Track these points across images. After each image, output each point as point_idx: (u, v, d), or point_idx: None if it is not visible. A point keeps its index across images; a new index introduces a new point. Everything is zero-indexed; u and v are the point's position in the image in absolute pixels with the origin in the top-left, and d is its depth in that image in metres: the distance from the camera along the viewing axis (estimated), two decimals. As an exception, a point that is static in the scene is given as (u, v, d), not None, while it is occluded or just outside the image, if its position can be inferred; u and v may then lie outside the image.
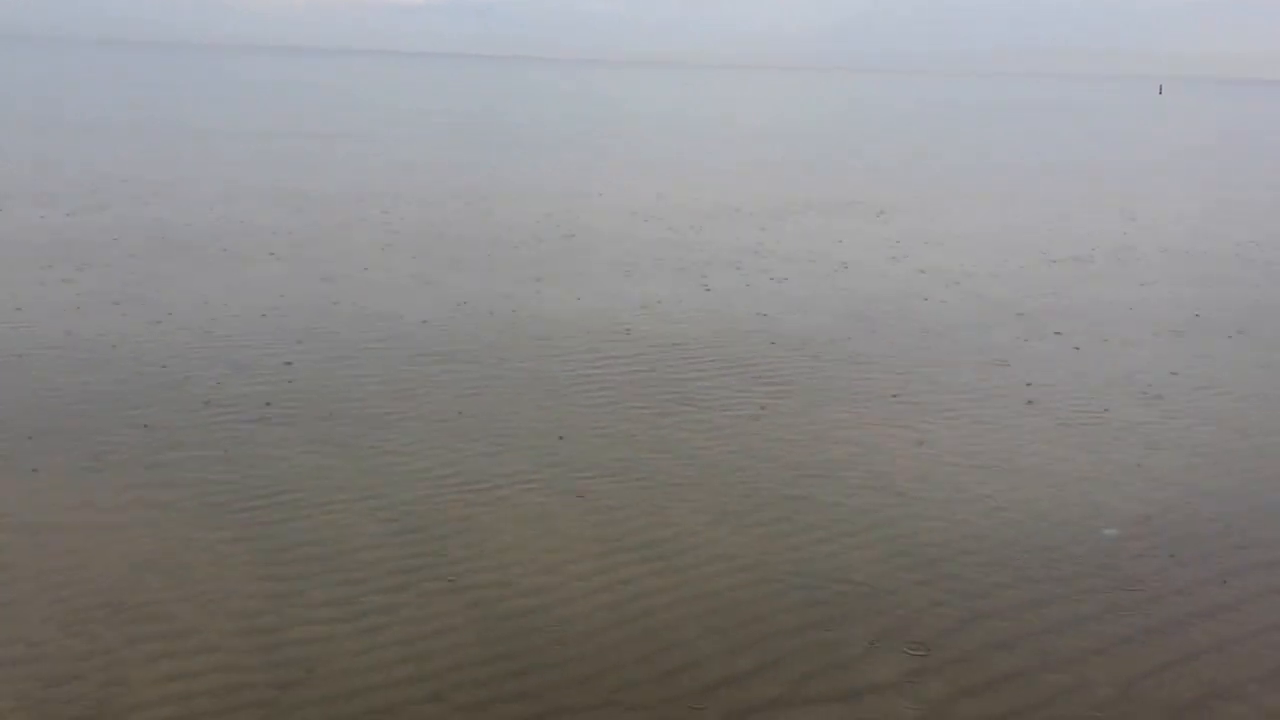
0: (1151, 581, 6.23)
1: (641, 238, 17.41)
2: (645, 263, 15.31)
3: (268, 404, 8.74)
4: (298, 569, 6.07)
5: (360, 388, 9.24)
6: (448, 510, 6.87)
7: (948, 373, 10.21)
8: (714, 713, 4.95)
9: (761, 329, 11.68)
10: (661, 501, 7.10)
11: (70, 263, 13.97)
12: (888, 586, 6.06)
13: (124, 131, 34.79)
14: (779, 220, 19.78)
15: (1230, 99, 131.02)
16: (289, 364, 9.83)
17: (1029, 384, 9.91)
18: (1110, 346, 11.40)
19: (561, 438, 8.18)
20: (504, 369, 9.90)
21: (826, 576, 6.16)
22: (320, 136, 35.06)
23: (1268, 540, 6.83)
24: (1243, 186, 28.84)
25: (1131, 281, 15.02)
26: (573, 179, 25.77)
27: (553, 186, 23.95)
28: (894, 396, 9.42)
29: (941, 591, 6.02)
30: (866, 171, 30.13)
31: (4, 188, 20.54)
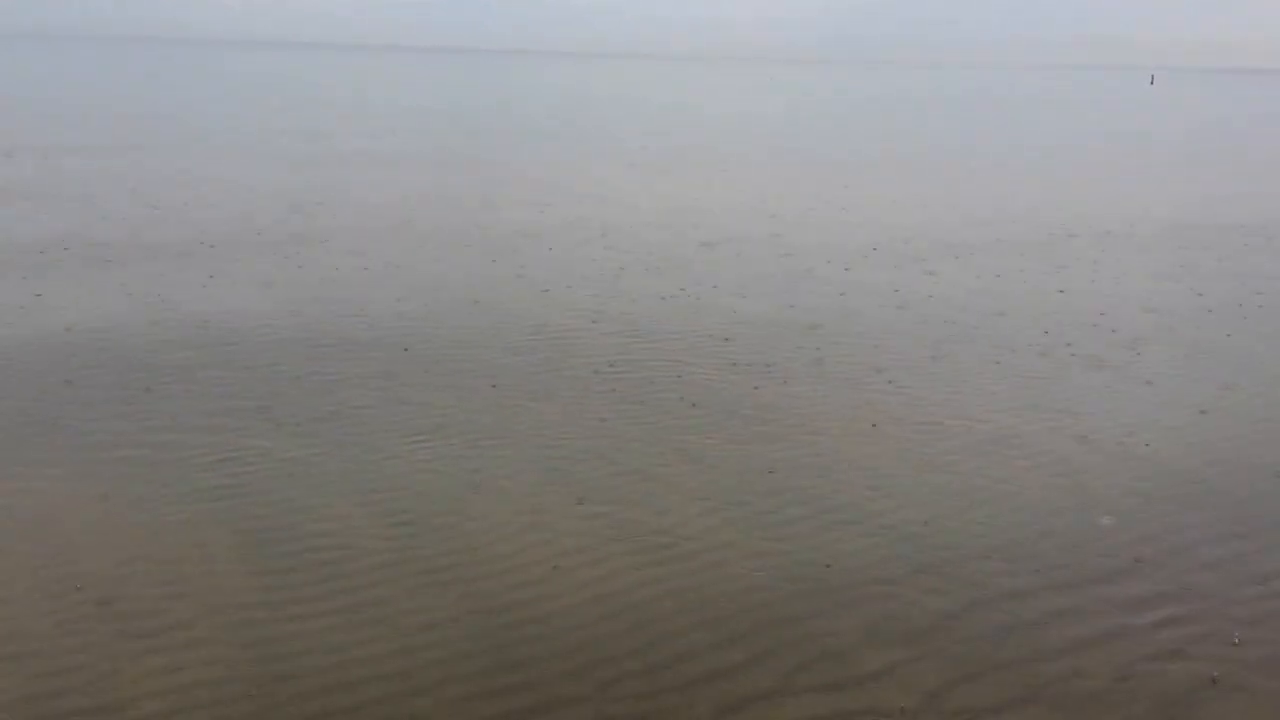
0: (1147, 569, 6.23)
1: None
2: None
3: (259, 399, 8.72)
4: (287, 562, 6.05)
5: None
6: (437, 503, 6.85)
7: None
8: (706, 705, 4.93)
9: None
10: (653, 493, 7.08)
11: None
12: (881, 576, 6.05)
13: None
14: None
15: (1226, 90, 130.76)
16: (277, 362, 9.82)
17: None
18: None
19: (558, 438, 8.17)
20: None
21: (819, 567, 6.15)
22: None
23: (1264, 528, 6.82)
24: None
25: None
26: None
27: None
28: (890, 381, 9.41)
29: (935, 581, 6.01)
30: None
31: None
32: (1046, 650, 5.40)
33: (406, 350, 10.20)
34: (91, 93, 54.22)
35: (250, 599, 5.67)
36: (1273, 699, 5.08)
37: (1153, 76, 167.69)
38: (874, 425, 8.45)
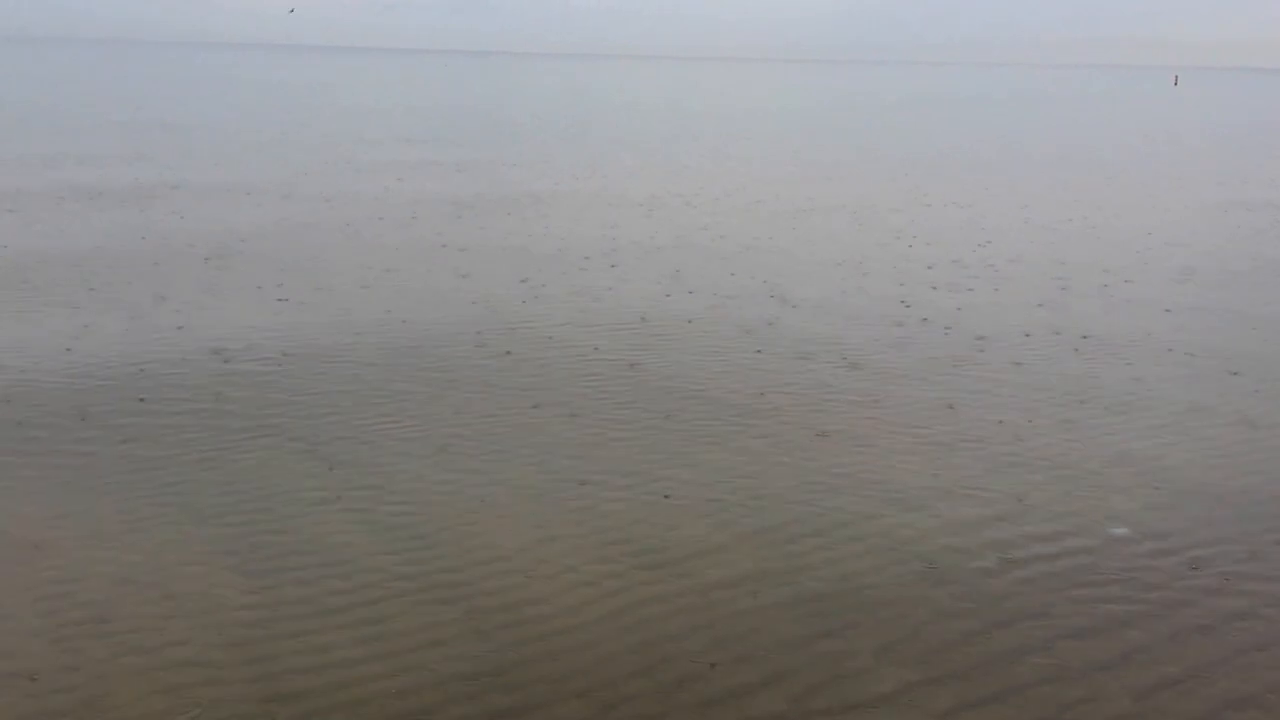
0: (1166, 586, 6.05)
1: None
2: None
3: (256, 409, 8.63)
4: (285, 578, 5.94)
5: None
6: (440, 518, 6.73)
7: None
8: (715, 727, 4.80)
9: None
10: (662, 508, 6.95)
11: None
12: (894, 596, 5.90)
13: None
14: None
15: (1251, 89, 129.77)
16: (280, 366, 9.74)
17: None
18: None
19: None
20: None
21: (832, 585, 6.00)
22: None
23: (1288, 543, 6.64)
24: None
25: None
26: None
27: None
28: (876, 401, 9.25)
29: (950, 600, 5.86)
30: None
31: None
32: (1065, 671, 5.23)
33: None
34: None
35: (248, 617, 5.56)
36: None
37: (1176, 77, 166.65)
38: (873, 432, 8.29)
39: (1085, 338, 11.32)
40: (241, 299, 12.30)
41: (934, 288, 13.66)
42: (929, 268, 14.97)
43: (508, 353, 10.30)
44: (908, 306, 12.57)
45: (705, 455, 7.80)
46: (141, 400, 8.72)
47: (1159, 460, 7.91)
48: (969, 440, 8.20)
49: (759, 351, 10.54)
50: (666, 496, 7.08)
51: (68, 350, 10.05)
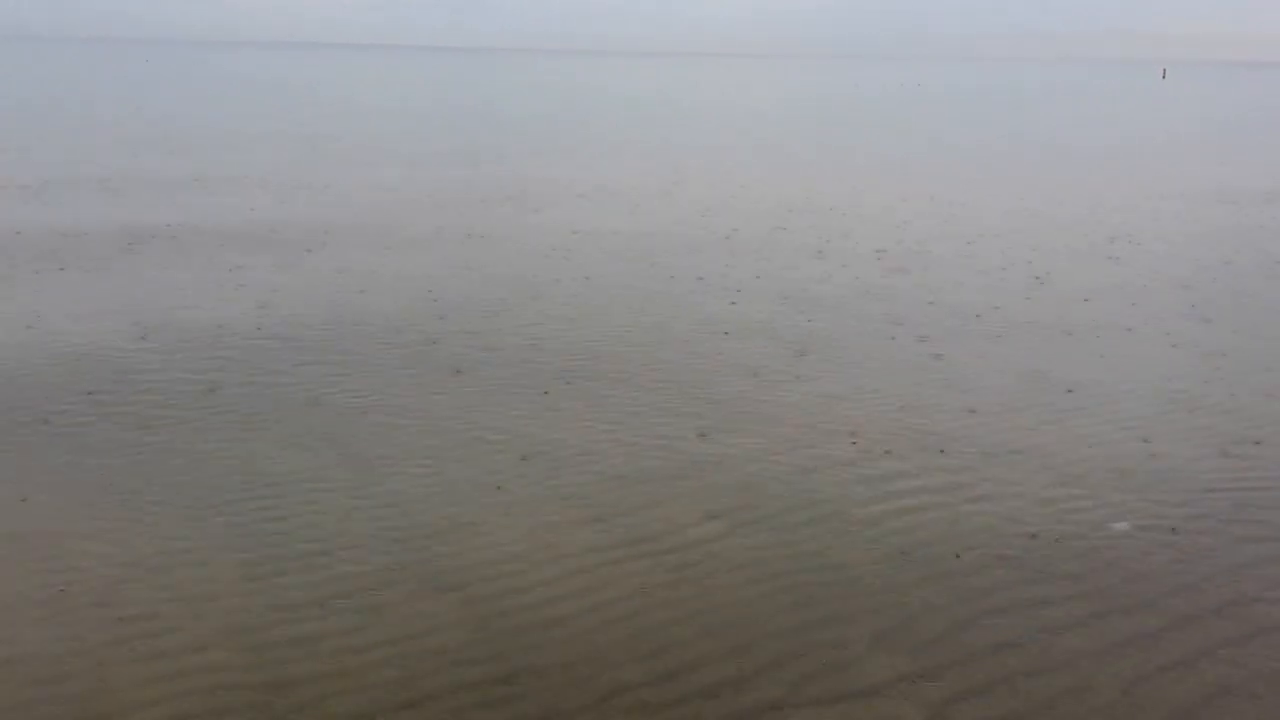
0: (1157, 578, 6.12)
1: None
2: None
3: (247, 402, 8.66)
4: (284, 568, 5.98)
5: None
6: (439, 510, 6.77)
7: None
8: (712, 715, 4.84)
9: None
10: (657, 499, 7.00)
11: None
12: (888, 586, 5.96)
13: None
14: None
15: (1239, 83, 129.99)
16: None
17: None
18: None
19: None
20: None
21: (826, 576, 6.05)
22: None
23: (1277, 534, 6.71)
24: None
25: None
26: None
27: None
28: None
29: (942, 591, 5.92)
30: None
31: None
32: (1055, 661, 5.30)
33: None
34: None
35: (248, 605, 5.60)
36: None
37: (1164, 71, 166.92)
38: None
39: None
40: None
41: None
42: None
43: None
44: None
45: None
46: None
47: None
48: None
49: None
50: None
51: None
